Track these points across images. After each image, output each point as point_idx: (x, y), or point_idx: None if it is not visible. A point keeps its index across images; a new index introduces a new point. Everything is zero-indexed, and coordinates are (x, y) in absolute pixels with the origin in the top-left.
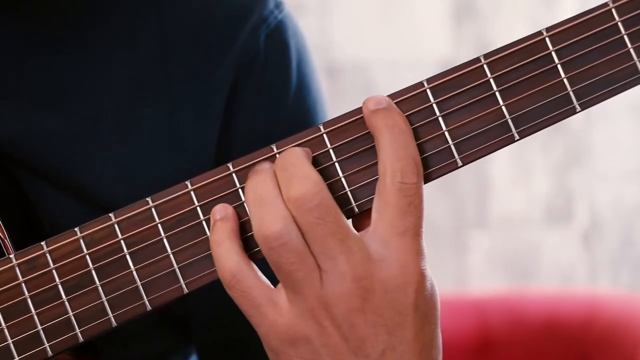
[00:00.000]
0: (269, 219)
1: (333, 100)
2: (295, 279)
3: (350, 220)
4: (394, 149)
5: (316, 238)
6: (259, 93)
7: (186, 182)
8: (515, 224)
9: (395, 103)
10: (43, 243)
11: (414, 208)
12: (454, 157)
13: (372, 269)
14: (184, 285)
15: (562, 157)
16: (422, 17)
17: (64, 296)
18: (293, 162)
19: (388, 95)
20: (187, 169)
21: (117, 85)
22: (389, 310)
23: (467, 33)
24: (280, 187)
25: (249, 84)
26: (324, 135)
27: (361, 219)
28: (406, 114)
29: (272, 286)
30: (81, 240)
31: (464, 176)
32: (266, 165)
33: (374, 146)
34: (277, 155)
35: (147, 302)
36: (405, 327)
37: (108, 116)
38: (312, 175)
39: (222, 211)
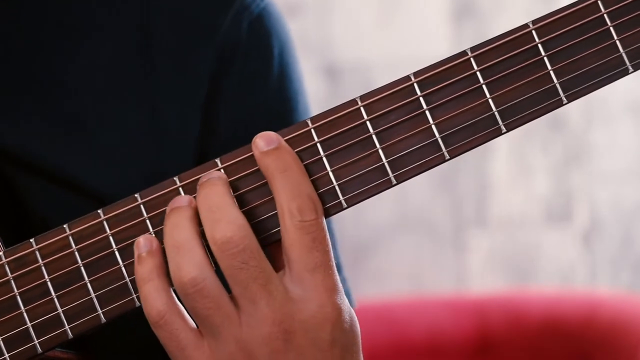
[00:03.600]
0: (185, 266)
1: (333, 101)
2: (213, 323)
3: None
4: (287, 190)
5: (239, 281)
6: (241, 81)
7: (174, 178)
8: (515, 223)
9: (382, 97)
10: (32, 240)
11: (319, 243)
12: (442, 150)
13: (292, 311)
14: None
15: (562, 157)
16: (422, 17)
17: (53, 293)
18: (219, 203)
19: (375, 90)
20: (169, 158)
21: (100, 78)
22: (311, 349)
23: (467, 33)
24: (203, 227)
25: (231, 71)
26: (312, 130)
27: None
28: (393, 108)
29: (197, 329)
30: (70, 237)
31: (463, 176)
32: (184, 202)
33: (363, 139)
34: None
35: (135, 298)
36: None
37: (91, 110)
38: (239, 219)
39: (147, 245)
